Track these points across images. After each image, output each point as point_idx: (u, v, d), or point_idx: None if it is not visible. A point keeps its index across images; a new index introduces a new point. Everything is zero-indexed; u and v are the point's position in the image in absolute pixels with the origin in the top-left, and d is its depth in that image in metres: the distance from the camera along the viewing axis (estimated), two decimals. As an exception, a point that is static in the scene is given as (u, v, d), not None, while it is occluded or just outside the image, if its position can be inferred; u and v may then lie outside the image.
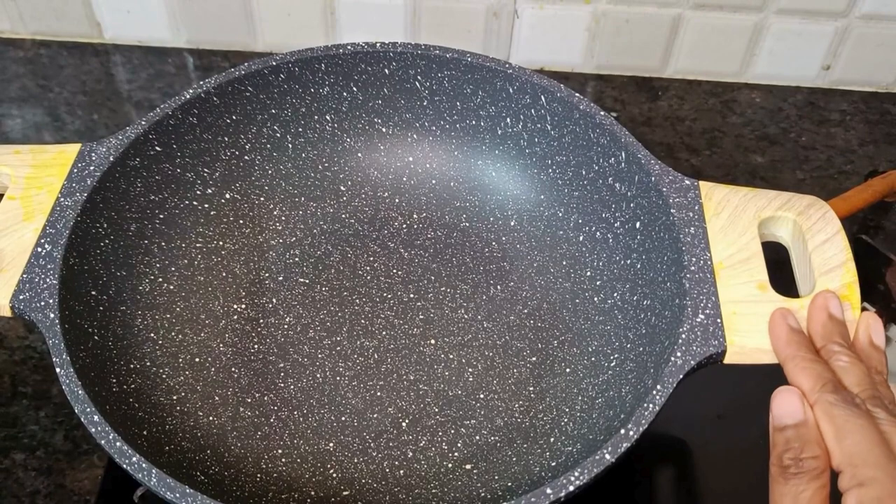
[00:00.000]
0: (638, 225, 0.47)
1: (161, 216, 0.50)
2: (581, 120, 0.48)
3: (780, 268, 0.44)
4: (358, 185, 0.56)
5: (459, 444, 0.46)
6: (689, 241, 0.43)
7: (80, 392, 0.38)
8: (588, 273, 0.51)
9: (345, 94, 0.53)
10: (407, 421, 0.47)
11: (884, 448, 0.32)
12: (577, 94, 0.48)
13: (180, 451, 0.43)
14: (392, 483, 0.45)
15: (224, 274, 0.52)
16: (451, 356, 0.49)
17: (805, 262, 0.43)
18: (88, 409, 0.37)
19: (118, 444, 0.36)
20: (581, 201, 0.51)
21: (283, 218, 0.55)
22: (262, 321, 0.51)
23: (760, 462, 0.49)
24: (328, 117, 0.54)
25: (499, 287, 0.52)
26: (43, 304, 0.40)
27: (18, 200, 0.44)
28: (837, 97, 0.70)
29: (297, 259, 0.54)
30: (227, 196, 0.53)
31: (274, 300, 0.52)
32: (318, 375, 0.49)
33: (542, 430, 0.46)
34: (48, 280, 0.41)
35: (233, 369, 0.49)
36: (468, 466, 0.45)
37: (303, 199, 0.55)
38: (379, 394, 0.48)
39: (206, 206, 0.52)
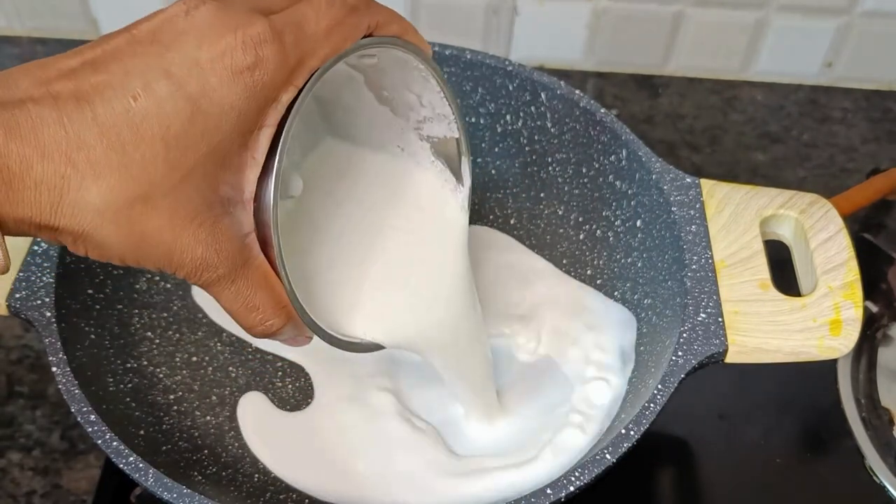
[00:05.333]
0: (639, 223, 0.47)
1: (158, 214, 0.49)
2: (581, 117, 0.48)
3: (781, 266, 0.44)
4: (357, 182, 0.56)
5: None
6: (691, 240, 0.43)
7: (76, 391, 0.37)
8: (588, 272, 0.51)
9: (343, 91, 0.53)
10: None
11: None
12: (577, 91, 0.48)
13: (177, 451, 0.43)
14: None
15: (222, 272, 0.52)
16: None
17: (807, 260, 0.43)
18: (85, 409, 0.37)
19: (115, 443, 0.36)
20: (581, 199, 0.51)
21: (282, 216, 0.54)
22: (260, 320, 0.50)
23: (761, 462, 0.49)
24: (327, 114, 0.54)
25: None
26: (39, 302, 0.40)
27: (14, 198, 0.44)
28: (839, 95, 0.69)
29: (295, 257, 0.53)
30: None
31: (272, 299, 0.51)
32: (317, 374, 0.48)
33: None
34: (44, 278, 0.41)
35: (230, 368, 0.48)
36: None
37: (301, 196, 0.55)
38: (378, 393, 0.48)
39: (204, 203, 0.52)
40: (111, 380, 0.43)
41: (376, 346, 0.38)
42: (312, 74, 0.30)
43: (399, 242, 0.39)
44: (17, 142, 0.25)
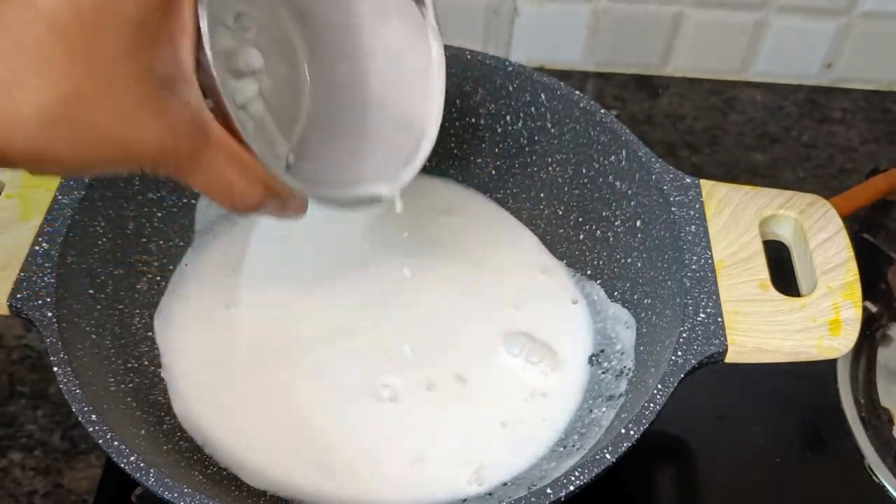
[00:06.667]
0: (638, 223, 0.47)
1: (159, 214, 0.49)
2: (581, 118, 0.48)
3: (781, 266, 0.44)
4: (357, 183, 0.56)
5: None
6: (690, 240, 0.43)
7: (77, 391, 0.38)
8: (588, 272, 0.51)
9: (344, 91, 0.53)
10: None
11: None
12: (577, 92, 0.48)
13: (178, 451, 0.43)
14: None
15: (223, 272, 0.52)
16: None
17: (806, 260, 0.43)
18: (86, 409, 0.37)
19: (116, 443, 0.36)
20: (581, 199, 0.51)
21: (282, 216, 0.54)
22: (260, 320, 0.51)
23: (761, 462, 0.49)
24: (327, 115, 0.54)
25: (499, 286, 0.52)
26: (40, 302, 0.40)
27: (16, 198, 0.44)
28: (839, 95, 0.70)
29: (296, 257, 0.53)
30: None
31: (273, 299, 0.51)
32: (317, 374, 0.48)
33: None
34: (45, 279, 0.41)
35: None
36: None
37: (302, 197, 0.55)
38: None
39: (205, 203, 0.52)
40: (112, 380, 0.43)
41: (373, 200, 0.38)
42: None
43: (380, 87, 0.41)
44: None
